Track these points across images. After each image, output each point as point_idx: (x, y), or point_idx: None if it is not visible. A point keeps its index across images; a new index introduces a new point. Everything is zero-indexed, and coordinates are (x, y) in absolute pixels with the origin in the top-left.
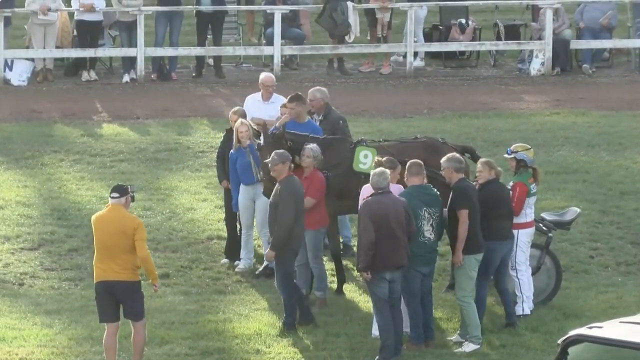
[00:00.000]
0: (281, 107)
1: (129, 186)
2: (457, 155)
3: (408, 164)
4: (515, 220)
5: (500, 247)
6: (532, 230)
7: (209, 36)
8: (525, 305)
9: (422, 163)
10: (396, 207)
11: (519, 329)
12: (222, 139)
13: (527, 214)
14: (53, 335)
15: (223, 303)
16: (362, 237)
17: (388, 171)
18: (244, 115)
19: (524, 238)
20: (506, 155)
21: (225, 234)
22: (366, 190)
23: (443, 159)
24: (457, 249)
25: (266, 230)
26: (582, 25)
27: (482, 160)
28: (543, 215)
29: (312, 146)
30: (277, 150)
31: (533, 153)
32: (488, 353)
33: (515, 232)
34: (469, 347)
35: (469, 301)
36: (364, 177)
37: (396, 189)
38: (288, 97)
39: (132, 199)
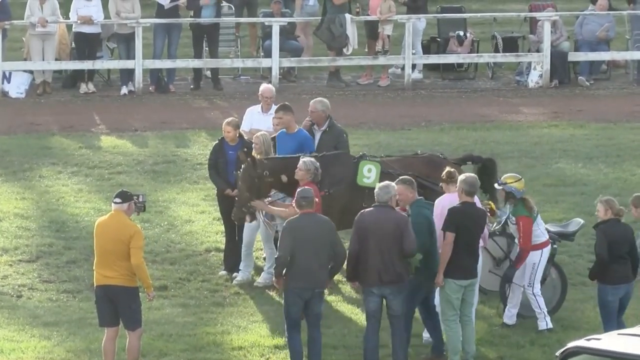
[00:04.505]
0: (273, 118)
1: (140, 195)
2: (474, 177)
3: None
4: (537, 240)
5: (612, 290)
6: (550, 247)
7: (205, 48)
8: (547, 320)
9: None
10: (385, 222)
11: (517, 341)
12: (212, 150)
13: (543, 231)
14: (51, 348)
15: (221, 315)
16: (349, 248)
17: (393, 184)
18: (237, 126)
19: (546, 256)
20: (496, 186)
21: (223, 246)
22: (442, 202)
23: (460, 178)
24: (439, 270)
25: (270, 244)
26: (580, 38)
27: (602, 198)
28: (547, 226)
29: (307, 160)
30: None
31: (523, 184)
32: None
33: (539, 252)
34: None
35: (449, 325)
36: (368, 191)
37: (454, 199)
38: (275, 108)
39: (143, 209)
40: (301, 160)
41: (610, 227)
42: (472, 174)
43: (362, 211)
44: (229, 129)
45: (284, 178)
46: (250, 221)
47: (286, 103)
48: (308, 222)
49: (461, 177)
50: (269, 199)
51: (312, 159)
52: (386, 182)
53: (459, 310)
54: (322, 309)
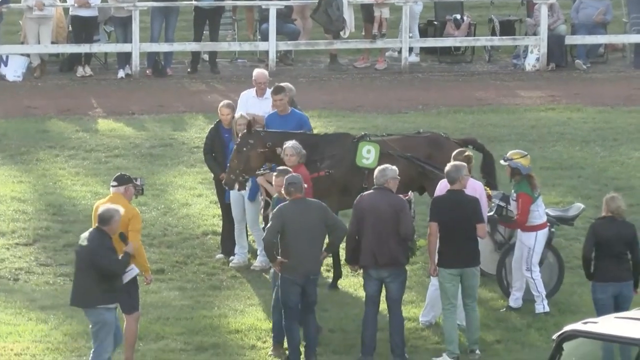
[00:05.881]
0: (275, 100)
1: (139, 178)
2: (458, 164)
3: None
4: (534, 221)
5: (600, 288)
6: (547, 230)
7: (205, 32)
8: (545, 303)
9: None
10: (381, 204)
11: (514, 325)
12: (208, 134)
13: (541, 214)
14: (48, 331)
15: (218, 298)
16: (348, 229)
17: (391, 167)
18: (233, 109)
19: (541, 239)
20: (502, 162)
21: (220, 229)
22: (442, 186)
23: (446, 167)
24: (430, 260)
25: (257, 227)
26: (576, 22)
27: (607, 196)
28: (547, 210)
29: (292, 144)
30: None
31: (529, 160)
32: (484, 349)
33: (534, 234)
34: (445, 359)
35: (445, 314)
36: (368, 173)
37: (478, 187)
38: (272, 90)
39: (141, 192)
40: (288, 147)
41: (602, 225)
42: (455, 163)
43: (362, 194)
44: (226, 111)
45: (279, 150)
46: (239, 189)
47: (281, 84)
48: (298, 208)
49: (447, 166)
50: (268, 171)
51: (295, 141)
52: (384, 165)
53: (460, 299)
54: (317, 296)
